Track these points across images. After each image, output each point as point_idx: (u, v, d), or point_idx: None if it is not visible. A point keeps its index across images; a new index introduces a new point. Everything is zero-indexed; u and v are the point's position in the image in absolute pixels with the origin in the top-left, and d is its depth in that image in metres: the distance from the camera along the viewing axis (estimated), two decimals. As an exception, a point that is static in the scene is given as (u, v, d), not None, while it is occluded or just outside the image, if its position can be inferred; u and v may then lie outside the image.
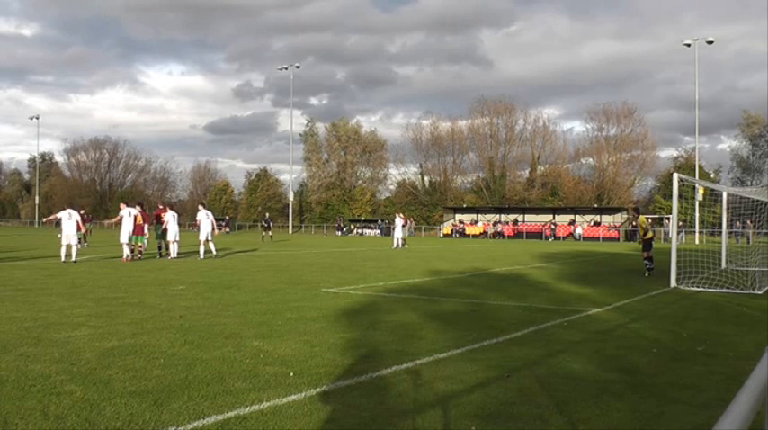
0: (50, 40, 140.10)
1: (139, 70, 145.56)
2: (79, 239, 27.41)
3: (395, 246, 31.95)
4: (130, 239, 19.66)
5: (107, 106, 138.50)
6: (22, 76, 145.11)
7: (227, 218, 66.98)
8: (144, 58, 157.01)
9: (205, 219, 20.87)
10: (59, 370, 5.50)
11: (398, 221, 33.47)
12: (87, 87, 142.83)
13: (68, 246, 18.14)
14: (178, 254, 20.72)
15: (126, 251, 19.47)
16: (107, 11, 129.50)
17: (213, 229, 21.18)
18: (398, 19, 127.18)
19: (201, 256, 20.54)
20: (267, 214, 48.49)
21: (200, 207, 22.11)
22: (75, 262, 17.93)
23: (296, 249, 28.87)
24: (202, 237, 20.75)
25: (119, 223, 20.17)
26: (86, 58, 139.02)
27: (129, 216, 19.48)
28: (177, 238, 20.79)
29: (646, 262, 16.45)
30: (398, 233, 32.80)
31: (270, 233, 40.91)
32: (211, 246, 20.83)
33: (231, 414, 4.37)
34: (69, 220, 18.21)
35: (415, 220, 62.16)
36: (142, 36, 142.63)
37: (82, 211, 33.19)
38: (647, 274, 16.15)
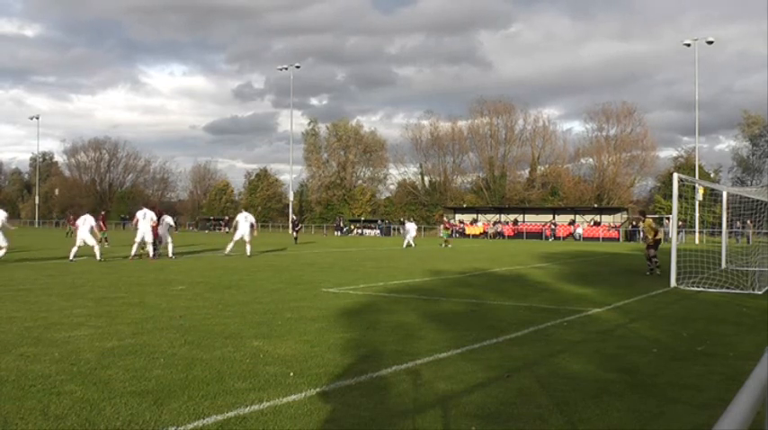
0: (53, 40, 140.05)
1: (141, 71, 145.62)
2: (101, 239, 27.58)
3: (412, 245, 32.76)
4: (154, 240, 19.98)
5: (108, 106, 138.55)
6: (24, 77, 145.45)
7: (226, 218, 66.99)
8: (145, 59, 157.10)
9: (243, 221, 22.34)
10: (59, 370, 5.50)
11: (409, 226, 34.83)
12: (89, 88, 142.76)
13: (80, 247, 19.00)
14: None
15: (149, 250, 19.89)
16: (109, 12, 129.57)
17: (252, 230, 22.49)
18: (398, 20, 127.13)
19: (227, 251, 21.95)
20: (294, 216, 48.68)
21: (241, 210, 25.34)
22: (72, 260, 18.24)
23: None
24: (237, 237, 22.11)
25: (136, 224, 20.52)
26: (88, 58, 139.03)
27: (143, 218, 19.59)
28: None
29: (654, 259, 16.72)
30: (411, 235, 33.98)
31: (296, 234, 40.83)
32: (248, 247, 21.86)
33: (231, 414, 4.37)
34: (84, 226, 19.12)
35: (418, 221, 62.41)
36: (144, 37, 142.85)
37: (103, 212, 33.51)
38: (658, 272, 16.25)
